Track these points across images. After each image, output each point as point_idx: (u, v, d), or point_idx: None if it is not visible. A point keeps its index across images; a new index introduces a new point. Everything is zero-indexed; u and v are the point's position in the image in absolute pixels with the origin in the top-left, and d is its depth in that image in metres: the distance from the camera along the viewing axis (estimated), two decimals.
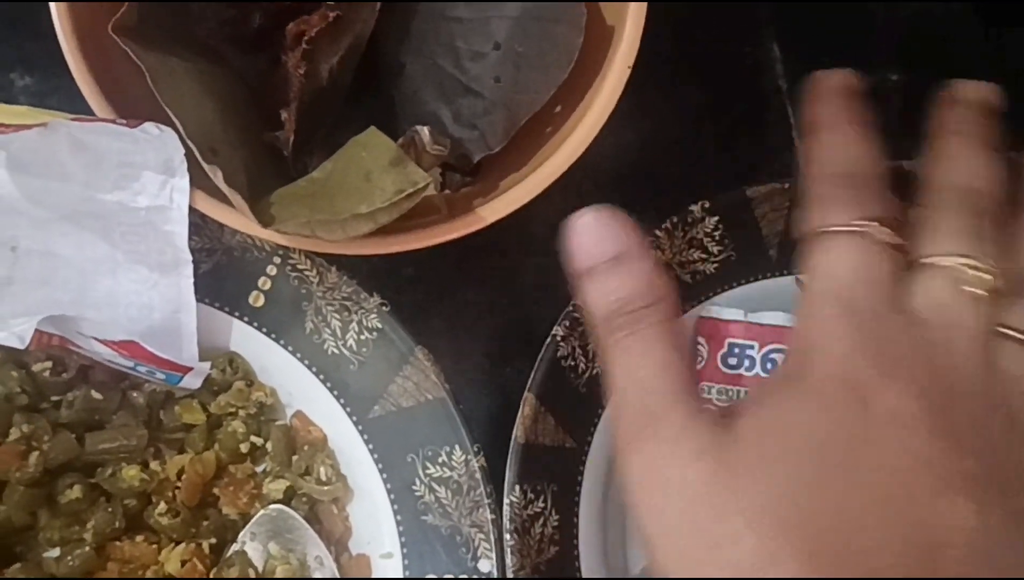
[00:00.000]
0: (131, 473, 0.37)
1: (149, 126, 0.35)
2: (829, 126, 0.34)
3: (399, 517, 0.37)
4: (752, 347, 0.40)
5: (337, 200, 0.35)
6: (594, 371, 0.39)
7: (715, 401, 0.40)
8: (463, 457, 0.37)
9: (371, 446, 0.38)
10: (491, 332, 0.45)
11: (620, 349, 0.31)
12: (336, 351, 0.38)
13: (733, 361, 0.40)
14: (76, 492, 0.36)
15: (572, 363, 0.38)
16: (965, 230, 0.31)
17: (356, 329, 0.38)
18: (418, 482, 0.37)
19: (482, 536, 0.36)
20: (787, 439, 0.28)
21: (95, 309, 0.36)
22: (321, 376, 0.38)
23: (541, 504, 0.37)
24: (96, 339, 0.35)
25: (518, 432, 0.37)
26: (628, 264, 0.31)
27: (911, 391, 0.28)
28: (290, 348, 0.39)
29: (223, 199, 0.35)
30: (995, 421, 0.29)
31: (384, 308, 0.38)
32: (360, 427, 0.38)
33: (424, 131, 0.36)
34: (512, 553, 0.36)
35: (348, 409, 0.38)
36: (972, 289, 0.30)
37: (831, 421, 0.28)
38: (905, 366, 0.29)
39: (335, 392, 0.38)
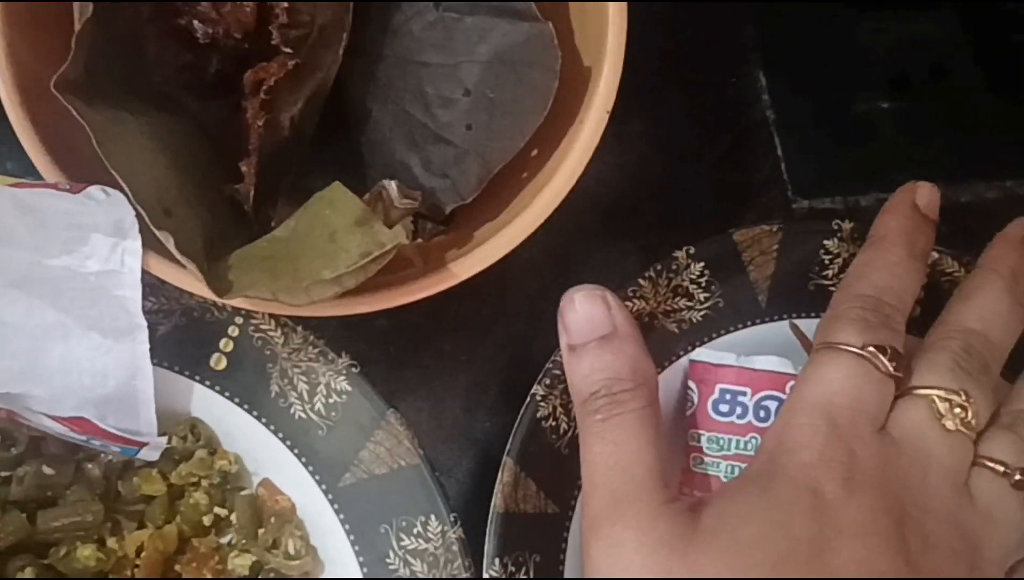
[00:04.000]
0: (86, 553, 0.35)
1: (94, 191, 0.33)
2: (883, 246, 0.35)
3: None
4: (744, 394, 0.38)
5: (300, 262, 0.33)
6: (576, 431, 0.37)
7: (705, 450, 0.38)
8: (439, 528, 0.35)
9: (342, 516, 0.36)
10: (468, 383, 0.43)
11: (597, 432, 0.32)
12: (304, 415, 0.37)
13: (725, 407, 0.38)
14: (28, 574, 0.34)
15: (553, 423, 0.36)
16: (952, 367, 0.32)
17: (324, 392, 0.36)
18: (392, 554, 0.36)
19: None
20: (746, 538, 0.30)
21: (46, 379, 0.34)
22: (288, 442, 0.37)
23: (523, 576, 0.35)
24: (46, 415, 0.33)
25: (497, 500, 0.35)
26: (615, 344, 0.33)
27: (872, 505, 0.30)
28: (255, 413, 0.37)
29: (179, 261, 0.33)
30: (954, 544, 0.30)
31: (354, 369, 0.36)
32: (330, 496, 0.36)
33: (391, 185, 0.34)
34: None
35: (317, 477, 0.36)
36: (949, 422, 0.31)
37: (789, 524, 0.30)
38: (870, 483, 0.30)
39: (303, 459, 0.37)
